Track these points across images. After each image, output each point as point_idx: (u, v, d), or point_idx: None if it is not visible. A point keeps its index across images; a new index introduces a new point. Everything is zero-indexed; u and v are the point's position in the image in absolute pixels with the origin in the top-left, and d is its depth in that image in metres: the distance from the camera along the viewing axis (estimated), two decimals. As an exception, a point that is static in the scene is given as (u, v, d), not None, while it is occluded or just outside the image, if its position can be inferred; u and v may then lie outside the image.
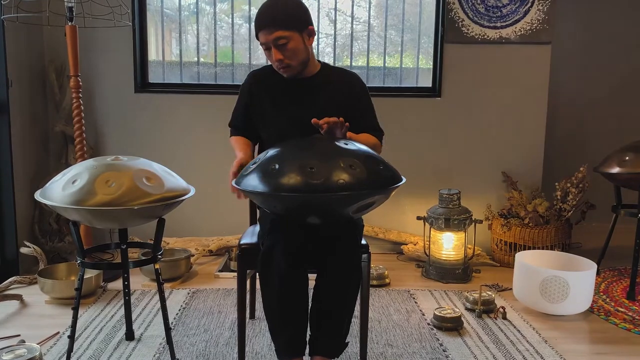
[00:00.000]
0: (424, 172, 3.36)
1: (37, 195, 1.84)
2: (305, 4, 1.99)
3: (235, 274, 2.02)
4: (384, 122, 2.14)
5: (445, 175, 3.37)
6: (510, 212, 3.25)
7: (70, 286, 2.50)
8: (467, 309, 2.59)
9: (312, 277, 1.82)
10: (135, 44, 3.23)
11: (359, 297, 1.88)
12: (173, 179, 1.91)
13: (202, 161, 3.31)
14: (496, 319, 2.50)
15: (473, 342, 2.26)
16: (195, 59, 3.39)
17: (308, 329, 1.82)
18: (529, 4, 3.23)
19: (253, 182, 1.60)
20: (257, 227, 2.10)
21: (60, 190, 1.77)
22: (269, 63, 2.03)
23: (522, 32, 3.26)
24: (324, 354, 1.80)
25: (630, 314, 2.57)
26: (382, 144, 2.10)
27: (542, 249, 3.07)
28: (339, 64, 3.39)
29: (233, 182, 1.70)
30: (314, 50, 3.28)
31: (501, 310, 2.52)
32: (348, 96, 2.04)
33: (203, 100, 3.28)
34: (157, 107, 3.29)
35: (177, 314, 2.48)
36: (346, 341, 1.85)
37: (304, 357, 1.81)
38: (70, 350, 1.97)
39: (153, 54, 3.36)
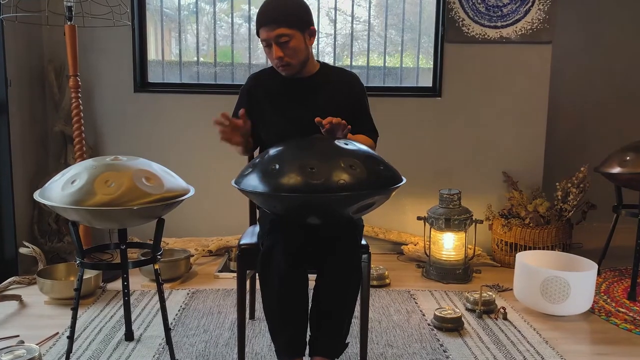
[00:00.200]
0: (424, 172, 3.35)
1: (36, 195, 1.83)
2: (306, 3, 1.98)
3: (235, 274, 2.01)
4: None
5: (446, 175, 3.37)
6: (511, 212, 3.24)
7: (69, 286, 2.50)
8: (467, 309, 2.58)
9: (312, 277, 1.82)
10: (135, 44, 3.22)
11: (359, 298, 1.87)
12: (172, 179, 1.90)
13: (202, 161, 3.30)
14: (497, 319, 2.49)
15: (473, 343, 2.25)
16: (195, 58, 3.38)
17: (308, 329, 1.82)
18: (530, 4, 3.22)
19: (253, 182, 1.60)
20: (257, 228, 2.09)
21: (59, 190, 1.76)
22: (269, 63, 2.02)
23: (523, 32, 3.25)
24: (324, 355, 1.79)
25: (631, 314, 2.56)
26: (376, 145, 2.11)
27: (543, 249, 3.06)
28: (339, 64, 3.39)
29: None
30: (314, 50, 3.27)
31: (502, 310, 2.51)
32: (348, 96, 2.04)
33: (203, 100, 3.27)
34: (156, 106, 3.28)
35: (176, 315, 2.48)
36: (346, 342, 1.84)
37: (304, 357, 1.80)
38: (69, 350, 1.96)
39: (152, 54, 3.36)
